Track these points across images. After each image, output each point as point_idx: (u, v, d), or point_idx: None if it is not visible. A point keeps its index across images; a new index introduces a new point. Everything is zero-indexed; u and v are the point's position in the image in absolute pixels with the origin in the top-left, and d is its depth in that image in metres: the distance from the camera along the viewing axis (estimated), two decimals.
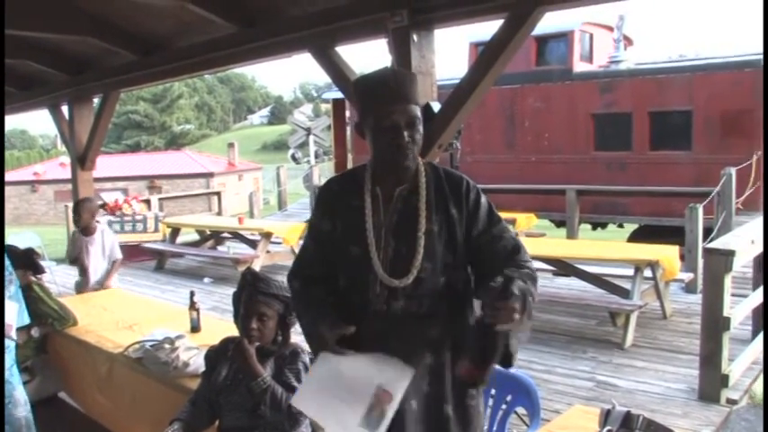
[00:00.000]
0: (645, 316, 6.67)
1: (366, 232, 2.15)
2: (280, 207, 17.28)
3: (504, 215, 8.43)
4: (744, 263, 5.98)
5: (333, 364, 2.13)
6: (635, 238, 11.29)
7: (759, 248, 5.59)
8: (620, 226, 12.66)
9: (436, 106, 3.77)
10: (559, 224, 12.18)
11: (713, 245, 4.97)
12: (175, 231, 11.50)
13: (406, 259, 2.12)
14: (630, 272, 6.52)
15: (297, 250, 10.18)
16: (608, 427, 2.06)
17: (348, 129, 16.73)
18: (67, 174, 6.98)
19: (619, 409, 2.10)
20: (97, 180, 7.98)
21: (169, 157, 41.01)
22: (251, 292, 2.75)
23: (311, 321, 2.24)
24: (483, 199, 2.20)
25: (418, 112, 2.09)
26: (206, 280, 9.87)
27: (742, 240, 5.20)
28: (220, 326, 3.90)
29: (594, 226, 12.89)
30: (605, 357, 5.78)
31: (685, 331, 6.39)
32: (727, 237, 5.43)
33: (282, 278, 2.88)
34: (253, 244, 10.42)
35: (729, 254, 4.69)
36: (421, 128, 2.13)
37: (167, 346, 3.45)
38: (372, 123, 2.10)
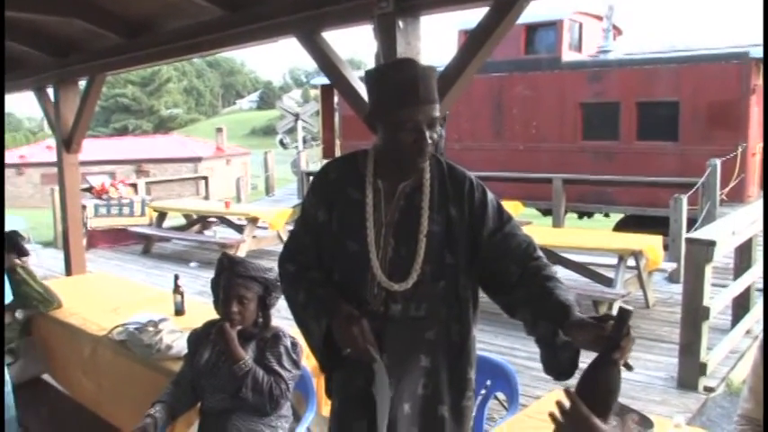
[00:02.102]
0: (628, 305, 6.72)
1: (366, 230, 2.05)
2: (267, 192, 17.28)
3: None
4: (725, 253, 6.05)
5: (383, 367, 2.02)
6: (621, 227, 11.34)
7: (740, 239, 5.66)
8: (607, 215, 12.73)
9: None
10: (546, 213, 12.23)
11: (694, 235, 5.03)
12: (162, 215, 11.49)
13: (406, 261, 2.03)
14: (615, 261, 6.57)
15: (283, 235, 10.21)
16: None
17: (336, 115, 16.69)
18: (54, 157, 6.92)
19: None
20: (84, 164, 7.95)
21: (157, 141, 40.81)
22: (229, 276, 2.77)
23: (318, 307, 2.11)
24: (490, 197, 2.10)
25: (438, 111, 1.99)
26: (192, 264, 9.87)
27: (723, 231, 5.26)
28: (204, 309, 3.90)
29: (581, 215, 12.95)
30: None
31: (667, 320, 6.46)
32: (708, 227, 5.49)
33: (267, 263, 2.91)
34: (239, 229, 10.43)
35: (710, 244, 4.75)
36: (439, 127, 2.03)
37: (151, 328, 3.47)
38: (394, 121, 1.96)
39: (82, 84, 6.64)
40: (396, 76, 1.99)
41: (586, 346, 1.79)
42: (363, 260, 2.05)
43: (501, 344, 5.82)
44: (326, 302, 2.08)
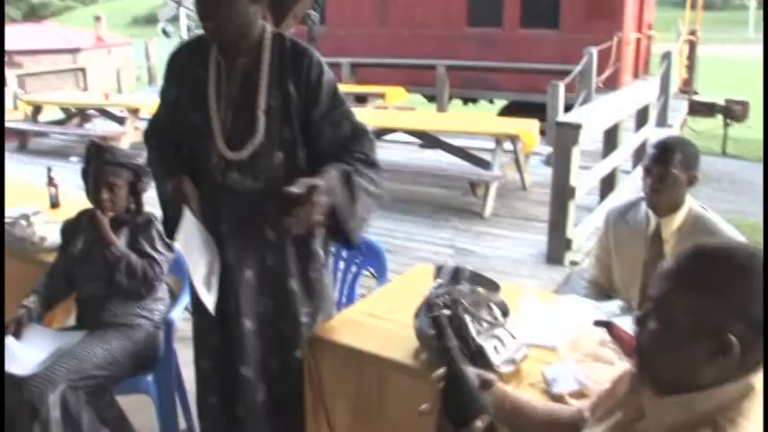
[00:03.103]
0: (506, 187, 7.05)
1: (207, 102, 2.15)
2: (150, 82, 16.66)
3: (373, 89, 8.54)
4: (594, 137, 6.39)
5: (191, 218, 2.17)
6: (504, 114, 11.65)
7: (607, 123, 5.97)
8: (491, 102, 13.00)
9: None
10: (431, 99, 12.38)
11: (562, 119, 5.28)
12: (37, 109, 10.91)
13: (245, 133, 2.13)
14: (493, 145, 6.81)
15: None
16: (439, 280, 2.26)
17: None
18: None
19: (449, 264, 2.29)
20: None
21: (29, 31, 38.07)
22: (98, 164, 2.76)
23: (169, 178, 2.25)
24: (326, 78, 2.16)
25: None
26: (73, 158, 9.52)
27: (591, 115, 5.54)
28: (80, 200, 3.85)
29: (465, 101, 13.16)
30: (465, 226, 6.13)
31: (542, 201, 6.75)
32: (576, 111, 5.76)
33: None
34: (121, 121, 10.10)
35: (577, 127, 4.99)
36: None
37: (23, 222, 3.42)
38: None
39: None
40: None
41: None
42: (206, 131, 2.16)
43: (382, 226, 5.99)
44: (174, 173, 2.22)
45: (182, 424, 3.03)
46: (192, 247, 2.18)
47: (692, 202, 2.62)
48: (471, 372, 1.44)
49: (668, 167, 2.51)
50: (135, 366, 2.75)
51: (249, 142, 2.13)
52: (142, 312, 2.82)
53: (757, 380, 1.17)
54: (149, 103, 10.03)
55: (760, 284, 1.13)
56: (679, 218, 2.59)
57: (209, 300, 2.20)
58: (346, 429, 2.38)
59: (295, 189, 1.91)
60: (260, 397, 2.36)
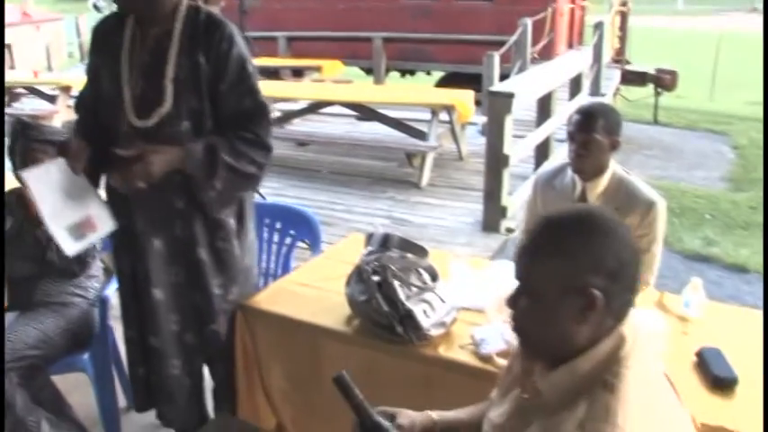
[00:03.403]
0: (443, 158, 7.13)
1: (120, 69, 2.18)
2: (82, 59, 16.17)
3: (310, 63, 8.45)
4: (528, 106, 6.51)
5: (66, 170, 2.19)
6: (442, 85, 11.67)
7: (541, 92, 6.08)
8: (428, 73, 13.01)
9: None
10: (368, 72, 12.34)
11: (495, 88, 5.36)
12: None
13: (153, 102, 2.15)
14: (429, 116, 6.87)
15: None
16: (369, 248, 2.31)
17: None
18: None
19: (379, 231, 2.34)
20: None
21: None
22: (24, 142, 2.70)
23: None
24: (236, 50, 2.17)
25: None
26: None
27: (523, 84, 5.63)
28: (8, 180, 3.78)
29: (403, 73, 13.16)
30: (403, 196, 6.21)
31: (478, 170, 6.82)
32: (509, 81, 5.84)
33: None
34: (52, 99, 9.81)
35: (509, 96, 5.08)
36: None
37: None
38: None
39: None
40: None
41: None
42: (118, 100, 2.19)
43: (322, 199, 6.05)
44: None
45: (123, 401, 3.03)
46: (52, 191, 2.20)
47: (615, 167, 2.71)
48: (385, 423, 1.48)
49: (591, 133, 2.59)
50: (70, 345, 2.73)
51: (156, 111, 2.15)
52: (76, 290, 2.80)
53: (626, 327, 1.25)
54: (81, 80, 9.76)
55: (611, 238, 1.22)
56: (603, 181, 2.68)
57: (69, 246, 2.23)
58: (282, 395, 2.43)
59: (127, 152, 2.08)
60: (173, 370, 2.41)
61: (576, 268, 1.20)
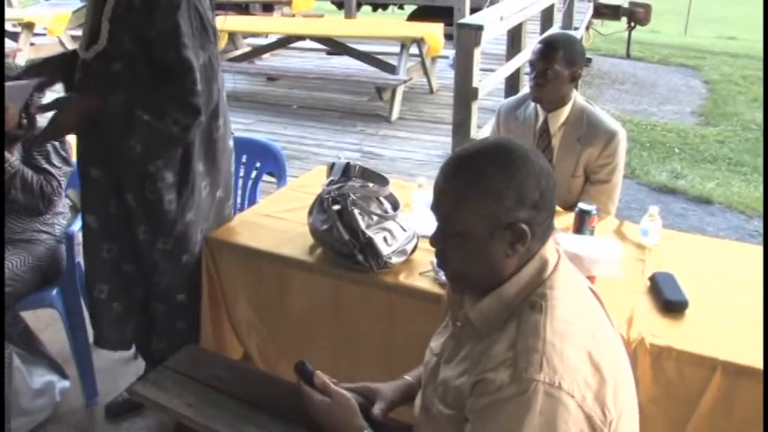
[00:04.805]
0: (413, 91, 7.10)
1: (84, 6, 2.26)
2: None
3: None
4: (498, 39, 6.47)
5: None
6: (413, 19, 11.51)
7: (510, 24, 6.03)
8: (401, 8, 12.84)
9: None
10: (340, 6, 12.13)
11: (463, 20, 5.30)
12: None
13: (95, 37, 2.20)
14: (398, 49, 6.79)
15: (65, 41, 9.42)
16: (331, 177, 2.33)
17: None
18: None
19: (340, 161, 2.36)
20: None
21: None
22: None
23: None
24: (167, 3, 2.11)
25: None
26: None
27: (493, 16, 5.57)
28: None
29: (375, 8, 12.97)
30: (373, 130, 6.19)
31: (448, 104, 6.77)
32: (478, 13, 5.76)
33: None
34: (14, 37, 9.54)
35: (478, 28, 5.02)
36: None
37: None
38: None
39: None
40: None
41: None
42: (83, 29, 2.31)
43: (291, 134, 6.03)
44: None
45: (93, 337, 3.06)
46: None
47: (577, 97, 2.73)
48: None
49: (551, 63, 2.60)
50: (38, 281, 2.73)
51: (93, 47, 2.21)
52: (42, 227, 2.79)
53: (547, 249, 1.29)
54: (44, 16, 9.52)
55: (530, 169, 1.23)
56: (565, 112, 2.71)
57: None
58: (247, 325, 2.47)
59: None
60: (100, 295, 2.51)
61: (502, 207, 1.22)
